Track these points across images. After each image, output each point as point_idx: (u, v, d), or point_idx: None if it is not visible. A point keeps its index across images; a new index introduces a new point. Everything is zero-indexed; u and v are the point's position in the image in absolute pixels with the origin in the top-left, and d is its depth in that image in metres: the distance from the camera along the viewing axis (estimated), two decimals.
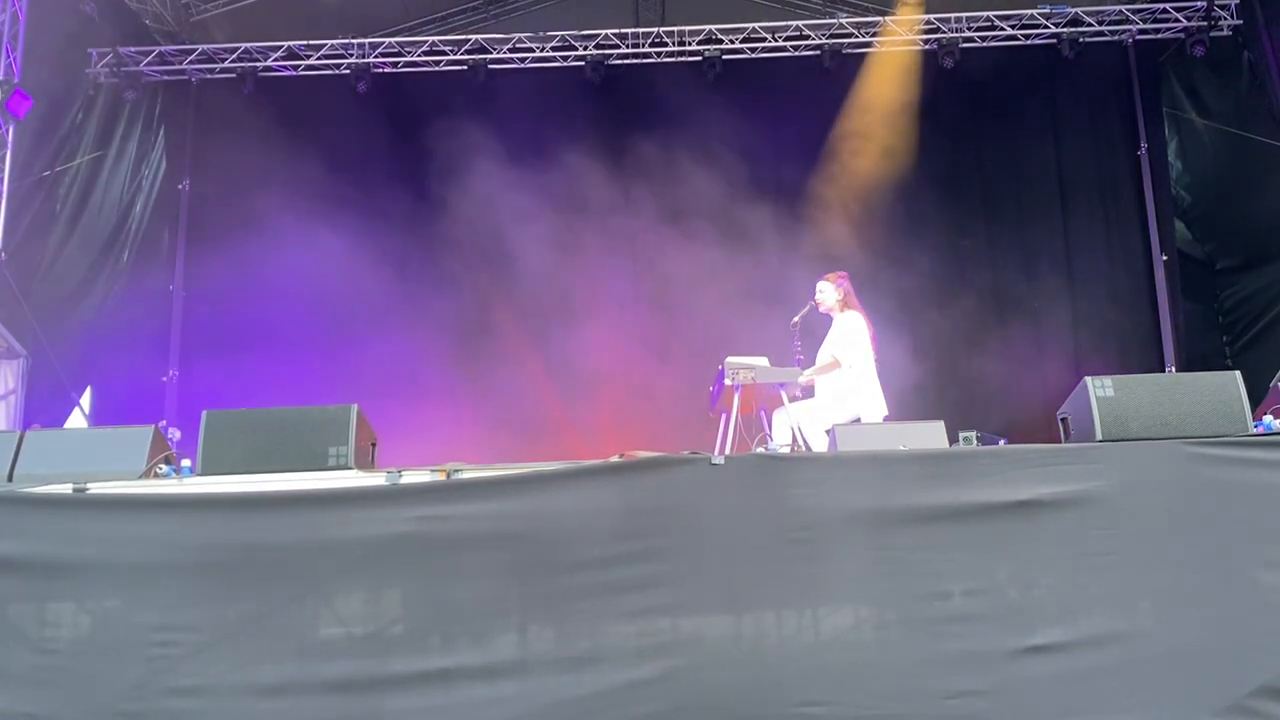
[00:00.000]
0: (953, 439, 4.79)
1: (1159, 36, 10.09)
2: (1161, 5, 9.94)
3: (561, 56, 10.30)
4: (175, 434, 6.89)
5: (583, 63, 10.23)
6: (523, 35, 10.28)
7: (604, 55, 10.22)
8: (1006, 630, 4.15)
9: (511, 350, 9.46)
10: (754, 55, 10.29)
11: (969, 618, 4.17)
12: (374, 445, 4.83)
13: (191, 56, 10.28)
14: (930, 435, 4.70)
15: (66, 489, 4.31)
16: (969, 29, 10.10)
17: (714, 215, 9.91)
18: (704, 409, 7.06)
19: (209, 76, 10.40)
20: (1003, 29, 10.12)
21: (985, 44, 10.15)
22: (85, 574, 4.19)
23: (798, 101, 9.95)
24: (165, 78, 10.37)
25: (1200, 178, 10.18)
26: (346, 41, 10.21)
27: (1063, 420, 4.87)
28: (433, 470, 4.38)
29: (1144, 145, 10.21)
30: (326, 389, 8.71)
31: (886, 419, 6.46)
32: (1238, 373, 4.63)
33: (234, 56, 10.25)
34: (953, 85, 9.99)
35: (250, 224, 9.93)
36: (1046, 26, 10.07)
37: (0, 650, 4.10)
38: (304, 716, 4.04)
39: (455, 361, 9.40)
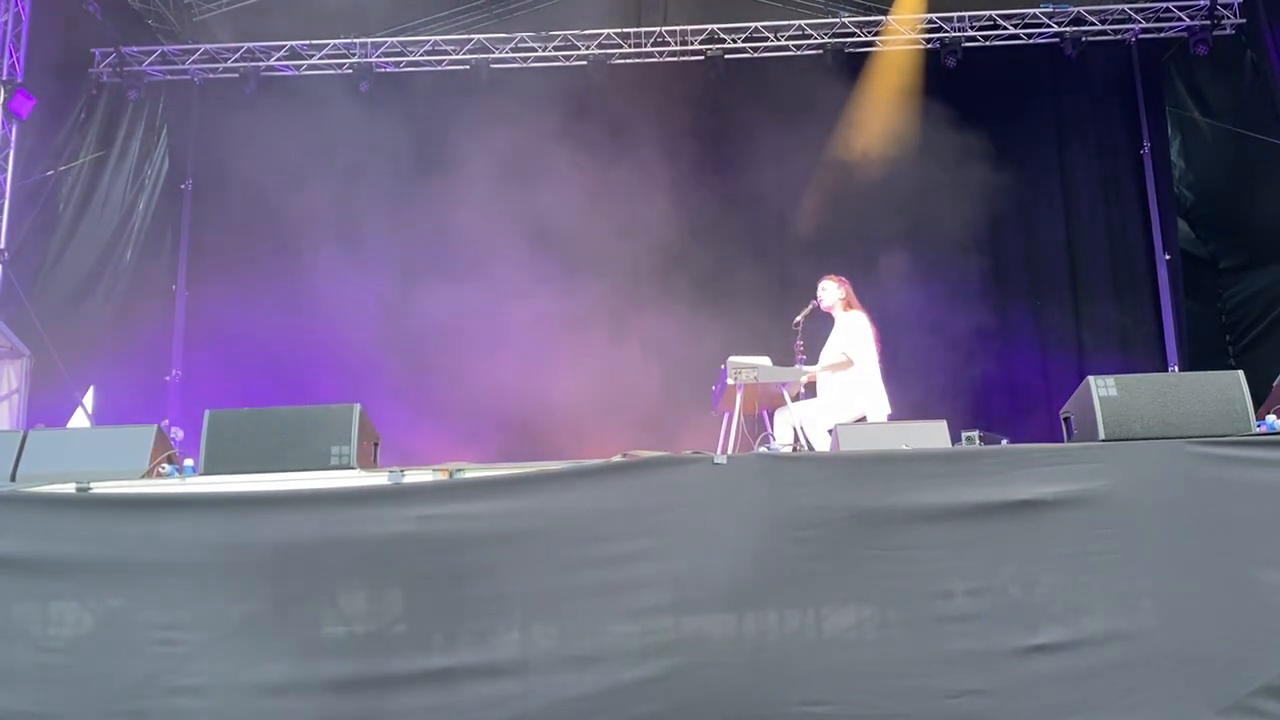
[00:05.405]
0: (955, 438, 4.79)
1: (1162, 35, 10.08)
2: (1164, 4, 9.93)
3: (564, 56, 10.30)
4: (178, 433, 6.90)
5: (585, 62, 10.23)
6: (525, 35, 10.28)
7: (606, 55, 10.22)
8: (1009, 629, 4.15)
9: (513, 350, 9.46)
10: (756, 55, 10.28)
11: (971, 617, 4.17)
12: (377, 445, 4.83)
13: (194, 56, 10.29)
14: (933, 435, 4.70)
15: (69, 488, 4.31)
16: (971, 28, 10.09)
17: (715, 214, 9.92)
18: (706, 408, 7.07)
19: (211, 76, 10.41)
20: (1005, 28, 10.11)
21: (988, 43, 10.15)
22: (88, 573, 4.19)
23: (800, 101, 9.93)
24: (168, 77, 10.38)
25: (1203, 177, 10.15)
26: (349, 41, 10.22)
27: (1065, 419, 4.86)
28: (435, 470, 4.38)
29: (1147, 144, 10.21)
30: (329, 388, 8.71)
31: (890, 418, 6.46)
32: (1240, 372, 4.61)
33: (236, 56, 10.26)
34: (955, 84, 9.98)
35: (253, 223, 9.97)
36: (1049, 25, 10.06)
37: (3, 649, 4.11)
38: (306, 715, 4.05)
39: (457, 361, 9.40)
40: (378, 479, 4.38)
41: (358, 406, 4.63)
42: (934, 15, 10.08)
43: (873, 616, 4.23)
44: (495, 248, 9.69)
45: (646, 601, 4.15)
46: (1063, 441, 4.79)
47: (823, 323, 6.96)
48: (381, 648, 4.13)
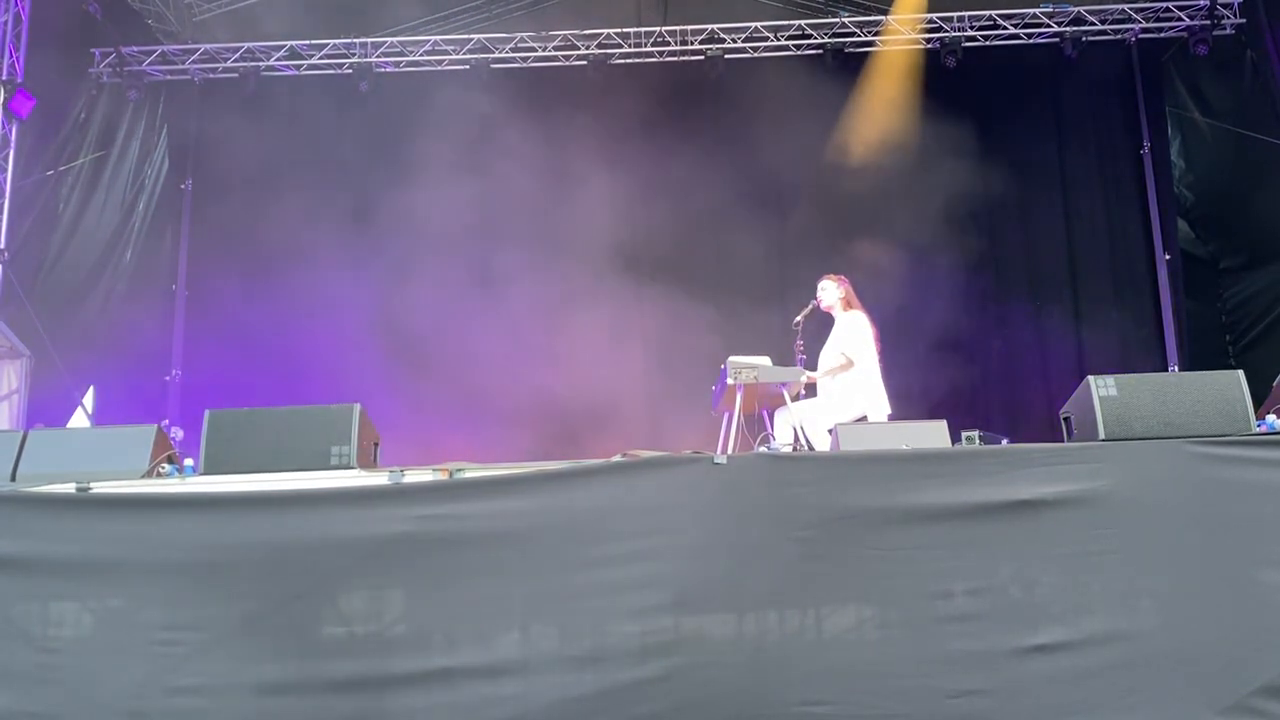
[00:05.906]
0: (955, 438, 4.79)
1: (1162, 35, 10.09)
2: (1164, 4, 9.93)
3: (564, 56, 10.30)
4: (178, 433, 6.91)
5: (585, 62, 10.23)
6: (525, 35, 10.28)
7: (606, 54, 10.22)
8: (1009, 629, 4.15)
9: (513, 350, 9.46)
10: (756, 54, 10.28)
11: (972, 617, 4.17)
12: (376, 445, 4.83)
13: (194, 56, 10.29)
14: (933, 435, 4.70)
15: (69, 488, 4.31)
16: (971, 28, 10.09)
17: (716, 215, 9.92)
18: (706, 408, 7.07)
19: (211, 76, 10.41)
20: (1005, 28, 10.12)
21: (988, 43, 10.15)
22: (88, 573, 4.19)
23: (800, 101, 9.94)
24: (168, 77, 10.38)
25: (1203, 177, 10.16)
26: (349, 41, 10.22)
27: (1065, 419, 4.86)
28: (435, 470, 4.38)
29: (1147, 144, 10.21)
30: (329, 388, 8.70)
31: (890, 418, 6.47)
32: (1240, 372, 4.62)
33: (236, 56, 10.26)
34: (955, 84, 9.98)
35: (253, 223, 9.96)
36: (1049, 25, 10.06)
37: (4, 649, 4.11)
38: (306, 715, 4.04)
39: (458, 361, 9.40)
40: (378, 479, 4.38)
41: (358, 406, 4.63)
42: (934, 15, 10.08)
43: (873, 616, 4.23)
44: (495, 247, 9.70)
45: (646, 601, 4.14)
46: (1063, 441, 4.79)
47: (823, 322, 6.97)
48: (381, 648, 4.13)
